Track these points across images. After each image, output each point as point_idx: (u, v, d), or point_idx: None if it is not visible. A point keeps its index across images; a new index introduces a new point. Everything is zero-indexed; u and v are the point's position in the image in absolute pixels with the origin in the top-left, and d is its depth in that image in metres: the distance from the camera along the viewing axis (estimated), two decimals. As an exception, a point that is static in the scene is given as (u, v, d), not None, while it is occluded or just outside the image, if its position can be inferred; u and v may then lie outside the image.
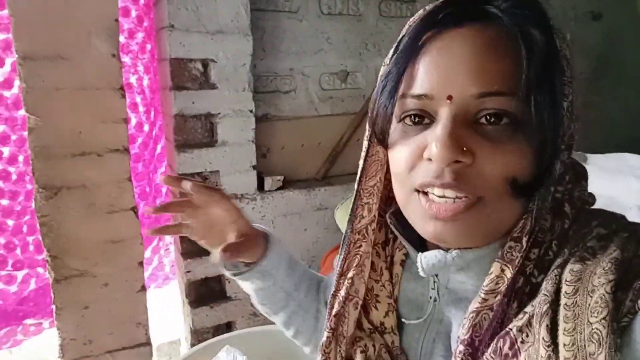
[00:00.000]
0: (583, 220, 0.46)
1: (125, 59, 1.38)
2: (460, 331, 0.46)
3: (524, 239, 0.44)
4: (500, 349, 0.41)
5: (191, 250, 1.50)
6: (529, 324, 0.41)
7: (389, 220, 0.57)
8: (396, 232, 0.56)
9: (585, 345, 0.36)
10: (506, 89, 0.41)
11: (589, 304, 0.37)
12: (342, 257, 0.59)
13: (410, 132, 0.47)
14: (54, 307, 1.28)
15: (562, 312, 0.38)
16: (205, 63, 1.38)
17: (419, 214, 0.47)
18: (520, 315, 0.42)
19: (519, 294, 0.43)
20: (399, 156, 0.48)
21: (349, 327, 0.57)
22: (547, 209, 0.45)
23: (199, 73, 1.37)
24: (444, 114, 0.43)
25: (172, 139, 1.40)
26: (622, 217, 0.48)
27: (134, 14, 1.39)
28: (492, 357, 0.41)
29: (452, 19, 0.44)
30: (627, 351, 0.36)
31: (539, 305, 0.40)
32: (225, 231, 0.68)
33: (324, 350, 0.56)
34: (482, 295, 0.44)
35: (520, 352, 0.40)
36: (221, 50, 1.38)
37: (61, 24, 1.16)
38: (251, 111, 1.47)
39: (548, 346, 0.37)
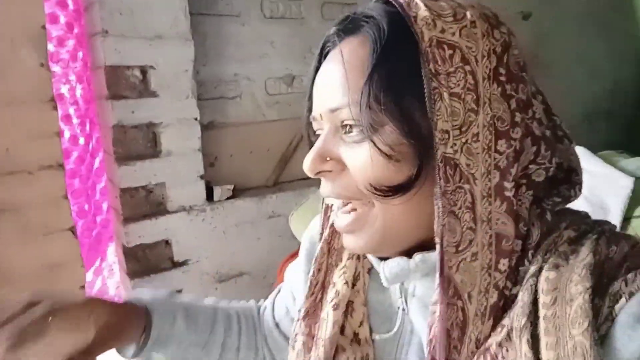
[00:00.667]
0: (552, 222, 0.45)
1: (56, 68, 1.29)
2: (426, 338, 0.44)
3: (437, 239, 0.41)
4: None
5: (137, 270, 1.42)
6: (508, 338, 0.40)
7: None
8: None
9: (568, 358, 0.35)
10: (345, 102, 0.44)
11: (569, 315, 0.37)
12: (316, 259, 0.58)
13: None
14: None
15: (542, 324, 0.38)
16: (144, 70, 1.30)
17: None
18: (499, 329, 0.41)
19: (493, 309, 0.42)
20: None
21: (332, 330, 0.53)
22: (501, 210, 0.43)
23: (137, 81, 1.30)
24: (323, 130, 0.48)
25: (112, 152, 1.32)
26: (587, 216, 0.49)
27: (62, 20, 1.30)
28: None
29: (333, 38, 0.48)
30: (610, 359, 0.36)
31: (517, 318, 0.39)
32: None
33: (304, 355, 0.54)
34: (430, 307, 0.43)
35: None
36: (161, 56, 1.31)
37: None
38: (196, 119, 1.41)
39: None
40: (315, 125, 0.51)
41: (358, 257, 0.58)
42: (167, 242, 1.44)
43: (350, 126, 0.45)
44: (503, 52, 0.44)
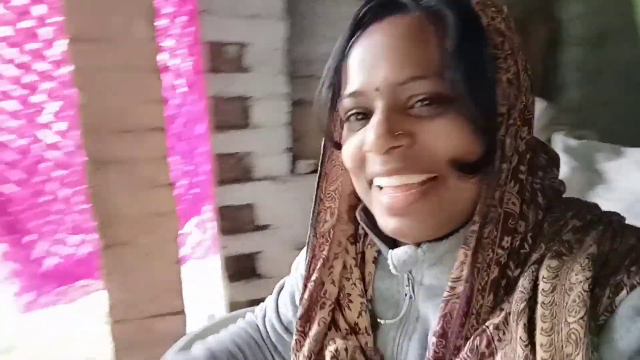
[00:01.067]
0: (557, 211, 0.46)
1: (168, 42, 1.45)
2: (433, 324, 0.47)
3: (477, 218, 0.43)
4: (477, 347, 0.41)
5: (227, 228, 1.57)
6: (505, 321, 0.41)
7: (359, 217, 0.57)
8: (366, 229, 0.56)
9: (562, 346, 0.36)
10: (425, 72, 0.43)
11: (567, 303, 0.37)
12: (307, 261, 0.60)
13: (355, 128, 0.49)
14: (102, 271, 1.40)
15: (539, 310, 0.38)
16: (240, 46, 1.42)
17: (378, 211, 0.49)
18: (497, 312, 0.42)
19: (494, 285, 0.43)
20: (347, 153, 0.50)
21: (317, 328, 0.56)
22: (514, 191, 0.44)
23: (234, 56, 1.41)
24: (376, 106, 0.46)
25: (210, 120, 1.47)
26: (596, 206, 0.48)
27: (175, -3, 1.45)
28: (468, 356, 0.41)
29: (372, 15, 0.47)
30: (606, 349, 0.36)
31: (515, 302, 0.40)
32: None
33: (295, 352, 0.57)
34: (450, 284, 0.45)
35: (497, 351, 0.40)
36: (255, 34, 1.41)
37: (106, 7, 1.24)
38: (285, 95, 1.50)
39: (525, 346, 0.37)
40: (352, 102, 0.48)
41: (361, 250, 0.60)
42: (252, 206, 1.57)
43: (425, 99, 0.44)
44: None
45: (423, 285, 0.52)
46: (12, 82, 1.36)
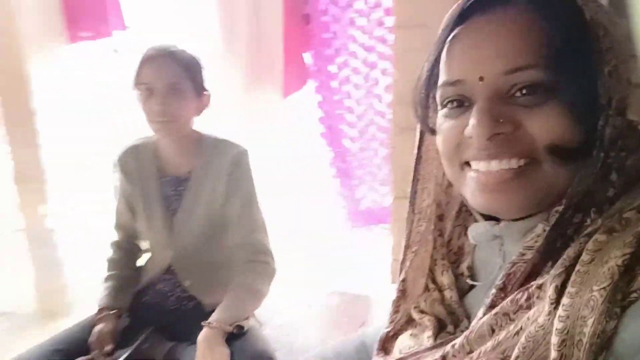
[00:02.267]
0: (634, 192, 0.44)
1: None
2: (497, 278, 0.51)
3: (565, 201, 0.45)
4: (518, 300, 0.46)
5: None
6: (545, 283, 0.44)
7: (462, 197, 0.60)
8: (469, 206, 0.59)
9: (580, 309, 0.39)
10: (531, 62, 0.45)
11: (598, 273, 0.40)
12: (407, 233, 0.67)
13: (453, 115, 0.51)
14: (391, 219, 1.70)
15: (572, 276, 0.41)
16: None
17: (470, 188, 0.51)
18: (544, 275, 0.46)
19: (555, 254, 0.45)
20: (444, 137, 0.52)
21: (415, 289, 0.65)
22: (598, 175, 0.44)
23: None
24: (479, 94, 0.47)
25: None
26: None
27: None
28: (508, 304, 0.47)
29: (477, 6, 0.49)
30: (632, 323, 0.37)
31: (556, 267, 0.43)
32: None
33: (395, 305, 0.67)
34: (521, 250, 0.49)
35: (533, 306, 0.45)
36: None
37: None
38: None
39: (551, 304, 0.42)
40: (452, 90, 0.50)
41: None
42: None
43: (530, 87, 0.45)
44: None
45: (508, 255, 0.54)
46: (360, 61, 1.79)
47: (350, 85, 1.82)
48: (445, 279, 0.62)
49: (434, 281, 0.64)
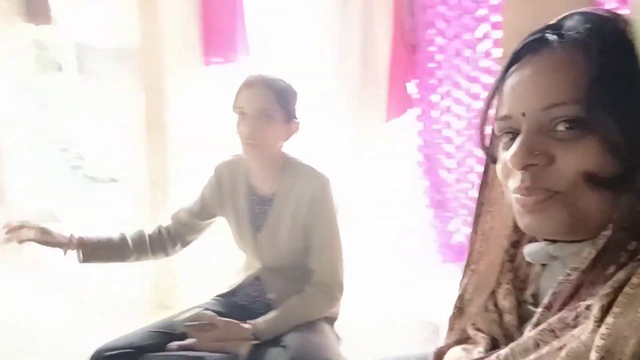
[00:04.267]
0: None
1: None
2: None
3: (612, 226, 0.47)
4: (565, 318, 0.49)
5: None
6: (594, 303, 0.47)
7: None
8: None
9: (622, 329, 0.42)
10: (566, 99, 0.48)
11: None
12: (468, 253, 0.69)
13: (505, 147, 0.55)
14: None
15: (619, 298, 0.44)
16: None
17: (517, 212, 0.55)
18: (594, 297, 0.48)
19: (601, 277, 0.47)
20: (498, 166, 0.57)
21: (472, 307, 0.67)
22: None
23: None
24: (522, 128, 0.52)
25: None
26: None
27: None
28: (555, 322, 0.50)
29: (527, 48, 0.54)
30: None
31: (604, 288, 0.46)
32: None
33: (451, 323, 0.71)
34: (568, 271, 0.51)
35: (578, 325, 0.47)
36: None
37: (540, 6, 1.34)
38: None
39: (595, 322, 0.44)
40: (504, 124, 0.55)
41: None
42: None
43: (566, 123, 0.48)
44: None
45: None
46: (463, 92, 1.75)
47: (451, 115, 1.80)
48: (507, 302, 0.62)
49: (495, 304, 0.64)
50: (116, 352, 1.08)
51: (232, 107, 1.18)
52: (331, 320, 1.25)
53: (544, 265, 0.61)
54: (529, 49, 0.54)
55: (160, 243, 1.30)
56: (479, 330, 0.64)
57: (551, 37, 0.52)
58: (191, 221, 1.31)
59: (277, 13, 2.28)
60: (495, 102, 0.58)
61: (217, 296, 1.31)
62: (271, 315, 1.13)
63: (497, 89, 0.57)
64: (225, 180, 1.27)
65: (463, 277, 0.68)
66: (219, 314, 1.20)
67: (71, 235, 1.19)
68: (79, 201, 4.28)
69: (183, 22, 2.25)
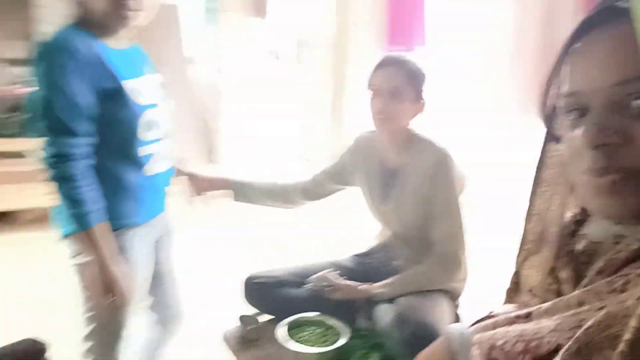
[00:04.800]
0: None
1: None
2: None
3: None
4: (614, 282, 0.48)
5: None
6: None
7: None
8: (589, 212, 0.61)
9: None
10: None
11: None
12: (523, 231, 0.72)
13: (572, 126, 0.52)
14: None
15: None
16: None
17: (587, 194, 0.52)
18: None
19: None
20: (565, 146, 0.54)
21: (528, 284, 0.69)
22: None
23: None
24: (592, 105, 0.50)
25: None
26: None
27: None
28: (603, 285, 0.49)
29: (597, 18, 0.51)
30: None
31: None
32: None
33: (508, 296, 0.73)
34: (628, 240, 0.52)
35: (626, 291, 0.47)
36: None
37: None
38: None
39: None
40: (570, 101, 0.52)
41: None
42: None
43: None
44: None
45: None
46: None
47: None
48: (564, 273, 0.62)
49: (553, 277, 0.64)
50: (262, 280, 1.33)
51: (367, 84, 1.28)
52: (452, 295, 1.28)
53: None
54: (599, 19, 0.50)
55: (303, 192, 1.47)
56: (534, 295, 0.65)
57: (624, 5, 0.47)
58: (326, 182, 1.46)
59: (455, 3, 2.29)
60: (559, 76, 0.54)
61: (355, 255, 1.46)
62: (389, 280, 1.23)
63: (561, 62, 0.53)
64: (362, 150, 1.39)
65: (518, 254, 0.68)
66: (352, 270, 1.36)
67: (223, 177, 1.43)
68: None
69: (371, 15, 2.44)
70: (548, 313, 0.52)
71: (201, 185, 1.40)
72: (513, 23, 1.87)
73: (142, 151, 1.13)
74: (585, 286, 0.51)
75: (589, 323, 0.44)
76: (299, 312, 1.26)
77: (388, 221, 1.34)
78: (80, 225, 1.04)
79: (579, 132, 0.50)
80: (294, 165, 4.70)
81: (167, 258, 1.34)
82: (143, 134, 1.12)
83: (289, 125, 4.00)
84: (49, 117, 1.01)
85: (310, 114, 3.57)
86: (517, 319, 0.57)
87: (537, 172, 0.69)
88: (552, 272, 0.64)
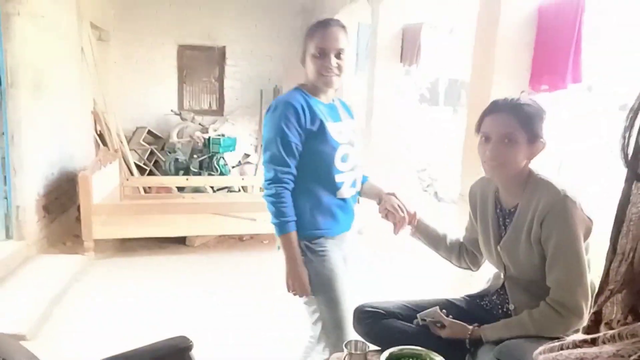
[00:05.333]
0: None
1: None
2: None
3: None
4: None
5: None
6: None
7: None
8: None
9: None
10: None
11: None
12: (604, 270, 0.66)
13: None
14: None
15: None
16: None
17: None
18: None
19: None
20: None
21: (608, 321, 0.66)
22: None
23: None
24: None
25: None
26: None
27: None
28: None
29: None
30: None
31: None
32: None
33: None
34: None
35: None
36: None
37: None
38: None
39: None
40: None
41: None
42: None
43: None
44: None
45: None
46: None
47: None
48: None
49: (635, 314, 0.62)
50: (372, 309, 1.39)
51: (476, 129, 1.28)
52: None
53: None
54: None
55: (460, 253, 1.50)
56: (610, 329, 0.62)
57: None
58: (469, 237, 1.47)
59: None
60: None
61: (467, 296, 1.43)
62: (499, 323, 1.19)
63: None
64: (477, 197, 1.38)
65: (599, 293, 0.64)
66: (463, 310, 1.35)
67: (414, 213, 1.51)
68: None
69: (515, 53, 2.38)
70: (613, 340, 0.52)
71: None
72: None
73: (337, 178, 1.47)
74: None
75: None
76: (404, 344, 1.29)
77: (502, 264, 1.30)
78: (279, 231, 1.44)
79: None
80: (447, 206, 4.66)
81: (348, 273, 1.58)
82: (338, 164, 1.46)
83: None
84: (271, 151, 1.43)
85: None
86: (583, 343, 0.56)
87: (620, 209, 0.65)
88: (634, 309, 0.61)
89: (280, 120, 1.42)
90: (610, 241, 0.66)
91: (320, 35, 1.43)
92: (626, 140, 0.57)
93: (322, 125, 1.44)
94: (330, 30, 1.43)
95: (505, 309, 1.30)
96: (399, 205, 1.48)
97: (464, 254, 1.47)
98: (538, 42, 2.38)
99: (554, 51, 2.29)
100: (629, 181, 0.62)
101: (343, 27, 1.46)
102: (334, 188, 1.47)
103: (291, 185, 1.44)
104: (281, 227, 1.43)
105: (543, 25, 2.35)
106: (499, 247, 1.29)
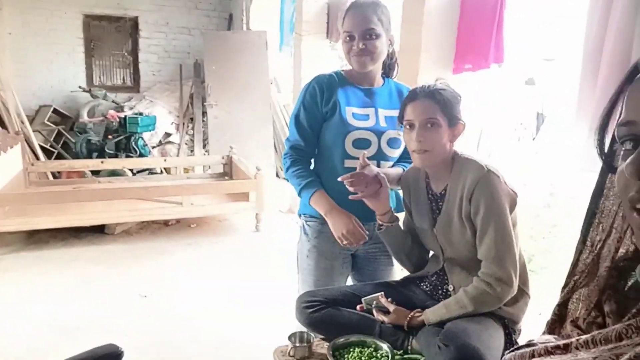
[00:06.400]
0: None
1: None
2: None
3: None
4: None
5: None
6: None
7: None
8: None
9: None
10: None
11: None
12: (573, 262, 0.70)
13: (625, 156, 0.50)
14: None
15: None
16: None
17: (635, 230, 0.50)
18: None
19: None
20: (616, 177, 0.52)
21: (572, 314, 0.68)
22: None
23: None
24: None
25: None
26: None
27: None
28: None
29: None
30: None
31: None
32: None
33: (549, 327, 0.70)
34: None
35: None
36: None
37: None
38: None
39: None
40: (625, 130, 0.50)
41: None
42: None
43: None
44: None
45: None
46: None
47: None
48: (609, 307, 0.61)
49: (599, 310, 0.63)
50: (315, 299, 1.36)
51: (399, 119, 1.30)
52: (508, 321, 1.24)
53: None
54: None
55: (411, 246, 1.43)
56: (577, 327, 0.63)
57: None
58: (408, 228, 1.44)
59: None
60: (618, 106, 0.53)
61: (406, 277, 1.45)
62: (439, 305, 1.22)
63: (621, 92, 0.53)
64: (410, 184, 1.40)
65: (565, 285, 0.66)
66: (402, 293, 1.36)
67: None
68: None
69: (440, 35, 2.43)
70: (586, 346, 0.51)
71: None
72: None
73: (346, 163, 1.43)
74: (627, 320, 0.50)
75: (625, 357, 0.44)
76: (349, 332, 1.28)
77: (439, 246, 1.32)
78: (306, 196, 1.43)
79: (627, 161, 0.48)
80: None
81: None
82: (349, 149, 1.43)
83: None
84: (289, 126, 1.51)
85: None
86: (555, 350, 0.55)
87: (593, 201, 0.66)
88: (598, 305, 0.63)
89: (300, 96, 1.51)
90: (581, 232, 0.67)
91: (347, 18, 1.46)
92: (600, 137, 0.56)
93: (335, 107, 1.45)
94: (356, 13, 1.44)
95: (444, 290, 1.32)
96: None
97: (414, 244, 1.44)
98: (462, 23, 2.44)
99: (477, 32, 2.36)
100: (603, 174, 0.63)
101: (374, 6, 1.44)
102: (341, 172, 1.37)
103: (305, 159, 1.49)
104: (306, 191, 1.43)
105: (466, 6, 2.41)
106: (434, 230, 1.32)
